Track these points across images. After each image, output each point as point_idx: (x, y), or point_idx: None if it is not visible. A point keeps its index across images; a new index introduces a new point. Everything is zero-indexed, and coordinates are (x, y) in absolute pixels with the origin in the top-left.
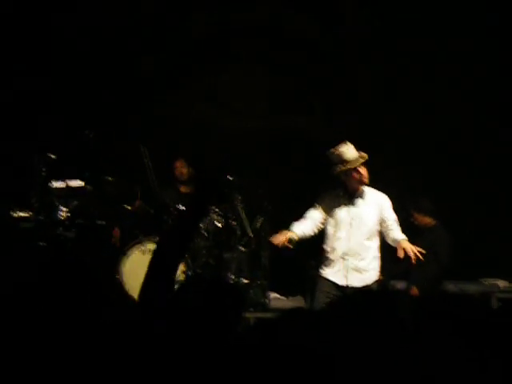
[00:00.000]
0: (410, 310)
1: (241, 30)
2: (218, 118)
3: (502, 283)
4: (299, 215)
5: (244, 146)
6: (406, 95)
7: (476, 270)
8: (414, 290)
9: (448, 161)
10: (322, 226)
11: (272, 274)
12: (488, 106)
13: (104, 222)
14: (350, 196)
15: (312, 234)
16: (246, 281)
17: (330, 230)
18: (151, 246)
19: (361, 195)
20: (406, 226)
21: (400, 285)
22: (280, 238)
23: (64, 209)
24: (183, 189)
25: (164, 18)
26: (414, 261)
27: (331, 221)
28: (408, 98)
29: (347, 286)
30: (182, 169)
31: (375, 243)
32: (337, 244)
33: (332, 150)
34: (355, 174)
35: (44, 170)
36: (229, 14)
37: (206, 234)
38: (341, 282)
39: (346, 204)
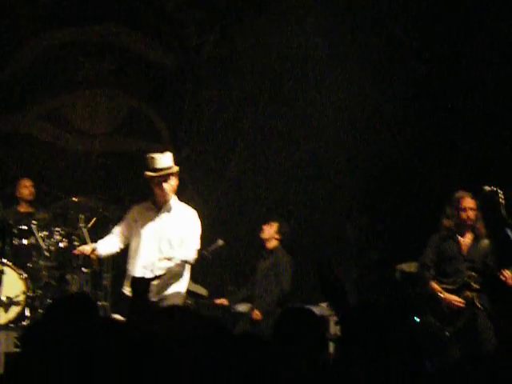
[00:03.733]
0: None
1: (85, 52)
2: (60, 139)
3: None
4: None
5: (88, 166)
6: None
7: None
8: (256, 313)
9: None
10: (127, 241)
11: (114, 295)
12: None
13: None
14: (157, 208)
15: (117, 249)
16: None
17: (132, 243)
18: None
19: (168, 209)
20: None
21: (243, 307)
22: (84, 248)
23: None
24: (23, 208)
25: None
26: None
27: (134, 234)
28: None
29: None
30: (30, 188)
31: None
32: (137, 258)
33: (149, 154)
34: (157, 186)
35: None
36: (70, 35)
37: (47, 254)
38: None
39: (151, 217)
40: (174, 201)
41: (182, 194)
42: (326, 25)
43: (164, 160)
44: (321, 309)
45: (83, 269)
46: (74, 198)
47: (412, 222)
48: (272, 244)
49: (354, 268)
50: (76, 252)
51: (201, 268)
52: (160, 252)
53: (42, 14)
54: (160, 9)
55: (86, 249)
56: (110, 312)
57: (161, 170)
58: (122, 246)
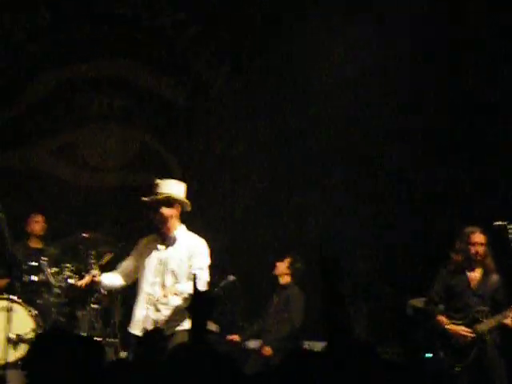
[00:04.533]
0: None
1: (97, 87)
2: (71, 174)
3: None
4: None
5: (99, 201)
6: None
7: None
8: (266, 350)
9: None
10: (134, 275)
11: (123, 332)
12: None
13: None
14: (162, 240)
15: (121, 283)
16: (99, 339)
17: (139, 277)
18: (0, 304)
19: (172, 239)
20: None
21: (254, 344)
22: (85, 279)
23: None
24: (33, 243)
25: (10, 76)
26: None
27: (141, 267)
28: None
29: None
30: (41, 223)
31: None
32: (141, 294)
33: (157, 179)
34: (153, 213)
35: None
36: (82, 70)
37: (57, 290)
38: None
39: (156, 249)
40: (180, 230)
41: (191, 229)
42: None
43: (163, 186)
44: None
45: (93, 305)
46: (84, 234)
47: (424, 257)
48: (285, 280)
49: (365, 302)
50: (79, 283)
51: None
52: (164, 287)
53: (55, 49)
54: (171, 44)
55: (88, 278)
56: (120, 349)
57: (155, 194)
58: (124, 282)
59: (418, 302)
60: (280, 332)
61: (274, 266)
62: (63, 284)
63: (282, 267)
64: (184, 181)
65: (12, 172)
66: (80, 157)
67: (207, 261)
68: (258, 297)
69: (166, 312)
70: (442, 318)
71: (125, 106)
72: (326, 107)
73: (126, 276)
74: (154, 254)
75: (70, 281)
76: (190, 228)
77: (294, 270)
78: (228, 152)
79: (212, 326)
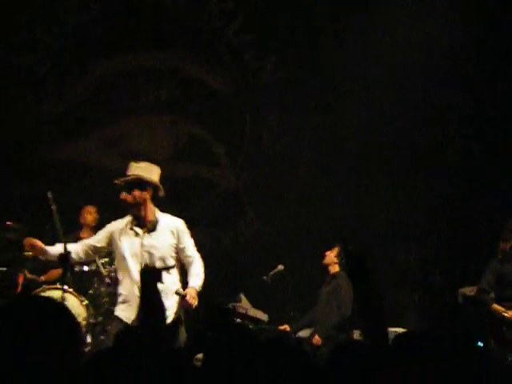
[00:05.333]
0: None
1: (145, 78)
2: (120, 166)
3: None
4: (203, 260)
5: None
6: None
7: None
8: (317, 339)
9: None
10: (94, 255)
11: None
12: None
13: (5, 269)
14: (140, 224)
15: (80, 257)
16: None
17: (118, 264)
18: (54, 294)
19: (153, 223)
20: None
21: (304, 333)
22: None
23: None
24: (85, 234)
25: (60, 69)
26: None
27: (117, 252)
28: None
29: None
30: (94, 214)
31: (174, 276)
32: (131, 281)
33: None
34: (126, 194)
35: None
36: (131, 61)
37: (108, 280)
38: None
39: (135, 233)
40: (158, 213)
41: (242, 218)
42: (386, 52)
43: (134, 168)
44: None
45: None
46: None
47: (474, 246)
48: (334, 269)
49: (416, 292)
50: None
51: (261, 293)
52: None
53: (104, 40)
54: (219, 34)
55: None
56: None
57: (126, 176)
58: (83, 258)
59: (469, 291)
60: (329, 321)
61: (323, 256)
62: (113, 274)
63: (331, 256)
64: (233, 170)
65: (64, 164)
66: (128, 148)
67: (191, 239)
68: (308, 286)
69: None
70: (498, 307)
71: (172, 96)
72: (373, 99)
73: (86, 253)
74: (135, 239)
75: None
76: (241, 218)
77: (342, 259)
78: (276, 140)
79: (262, 316)
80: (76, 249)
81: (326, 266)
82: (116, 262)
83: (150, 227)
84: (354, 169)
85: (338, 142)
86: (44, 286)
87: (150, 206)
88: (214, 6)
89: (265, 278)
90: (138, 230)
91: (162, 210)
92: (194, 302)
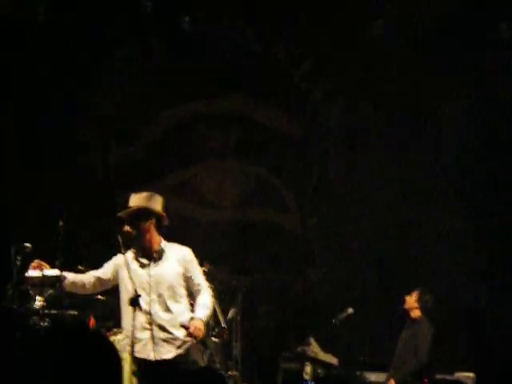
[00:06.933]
0: None
1: (212, 123)
2: (189, 210)
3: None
4: (271, 304)
5: (215, 236)
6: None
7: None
8: (391, 382)
9: None
10: (99, 288)
11: (244, 365)
12: None
13: (76, 312)
14: (145, 255)
15: (84, 291)
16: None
17: (124, 297)
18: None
19: (159, 252)
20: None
21: (375, 376)
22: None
23: (39, 298)
24: None
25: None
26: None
27: (122, 285)
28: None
29: (157, 361)
30: None
31: (183, 305)
32: (136, 313)
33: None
34: (130, 227)
35: (19, 259)
36: (198, 107)
37: None
38: (149, 356)
39: (141, 265)
40: (163, 243)
41: (310, 262)
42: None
43: (135, 199)
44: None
45: (213, 339)
46: (202, 268)
47: None
48: (415, 314)
49: None
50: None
51: (330, 336)
52: (168, 311)
53: (170, 87)
54: (287, 78)
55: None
56: (240, 382)
57: (128, 208)
58: (88, 291)
59: None
60: (406, 367)
61: (403, 300)
62: None
63: (411, 301)
64: (300, 214)
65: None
66: (197, 193)
67: (199, 267)
68: (377, 330)
69: (172, 329)
70: None
71: (240, 140)
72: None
73: (94, 284)
74: (142, 270)
75: None
76: (309, 262)
77: (423, 304)
78: (344, 185)
79: (332, 360)
80: (87, 280)
81: (407, 311)
82: (121, 295)
83: (157, 257)
84: (425, 209)
85: (407, 174)
86: (115, 329)
87: (155, 236)
88: (281, 51)
89: (334, 321)
90: (144, 260)
91: (228, 255)
92: (199, 334)
